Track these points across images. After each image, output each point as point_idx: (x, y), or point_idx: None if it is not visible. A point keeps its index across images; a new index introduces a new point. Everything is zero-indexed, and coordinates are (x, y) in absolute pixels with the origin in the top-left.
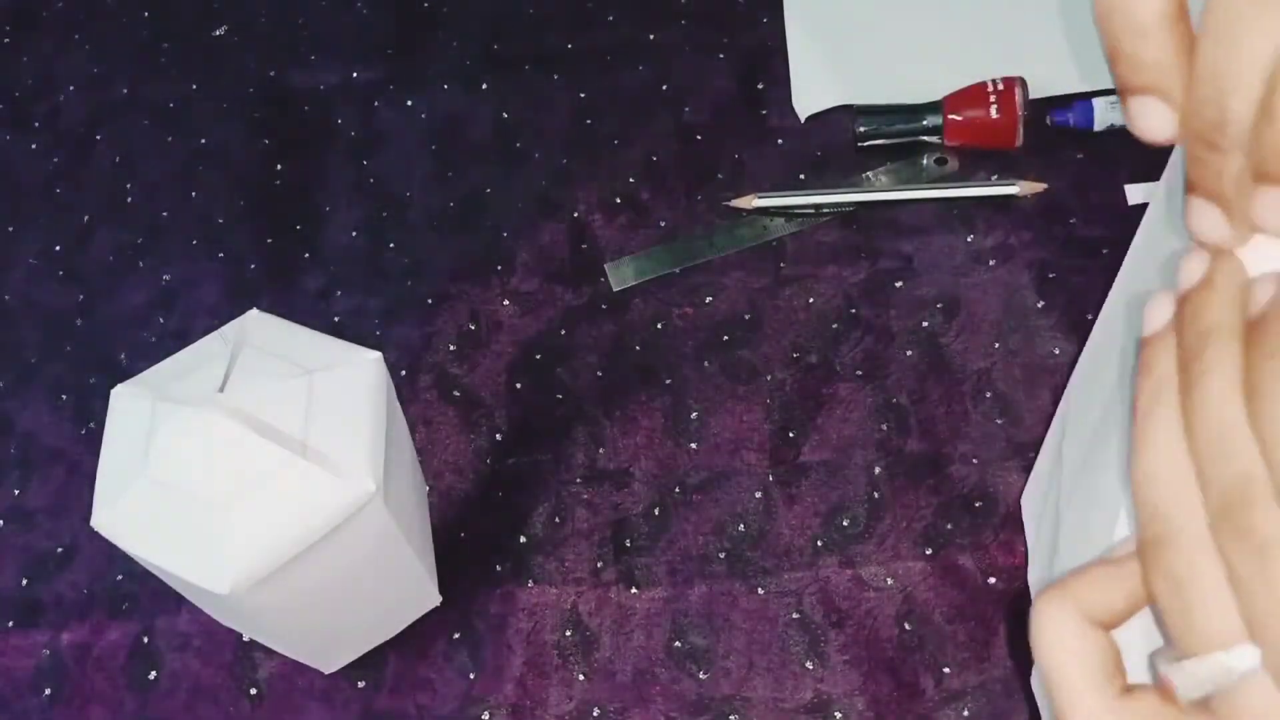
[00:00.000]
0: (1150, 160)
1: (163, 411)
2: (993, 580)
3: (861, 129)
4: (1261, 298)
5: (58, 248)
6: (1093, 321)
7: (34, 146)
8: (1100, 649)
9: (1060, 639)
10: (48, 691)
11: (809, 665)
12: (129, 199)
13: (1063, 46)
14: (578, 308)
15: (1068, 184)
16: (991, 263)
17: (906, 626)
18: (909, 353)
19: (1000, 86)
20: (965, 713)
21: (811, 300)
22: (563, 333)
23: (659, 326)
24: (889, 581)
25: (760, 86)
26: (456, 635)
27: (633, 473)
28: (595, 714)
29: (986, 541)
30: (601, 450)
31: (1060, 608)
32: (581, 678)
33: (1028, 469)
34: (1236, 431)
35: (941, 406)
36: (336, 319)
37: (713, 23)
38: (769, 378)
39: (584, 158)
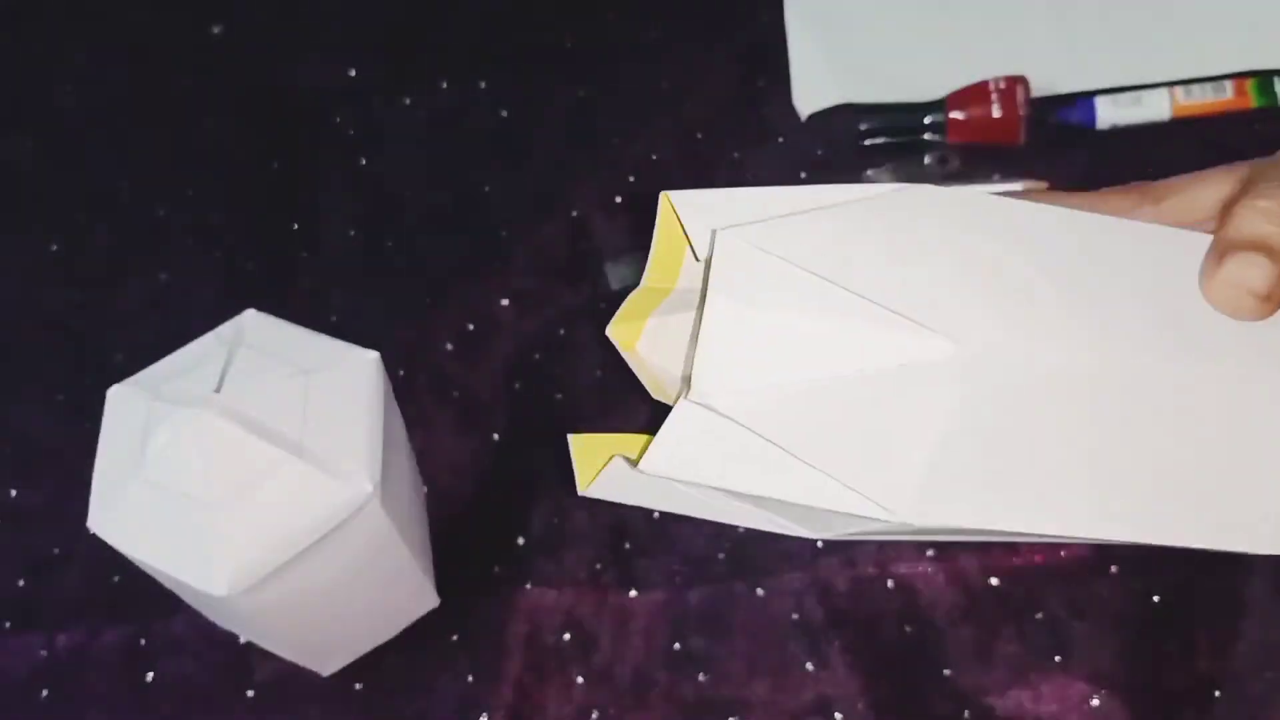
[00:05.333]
0: (1153, 160)
1: (159, 412)
2: (995, 581)
3: (863, 127)
4: None
5: (54, 247)
6: None
7: (31, 146)
8: None
9: None
10: (44, 693)
11: (810, 667)
12: (125, 198)
13: (1065, 45)
14: (577, 307)
15: (1070, 182)
16: None
17: (907, 628)
18: None
19: (1002, 85)
20: (966, 714)
21: None
22: (562, 332)
23: None
24: (890, 583)
25: (761, 84)
26: (455, 637)
27: None
28: (595, 717)
29: (989, 542)
30: None
31: None
32: (580, 680)
33: None
34: None
35: None
36: (334, 318)
37: (713, 20)
38: None
39: (583, 156)
